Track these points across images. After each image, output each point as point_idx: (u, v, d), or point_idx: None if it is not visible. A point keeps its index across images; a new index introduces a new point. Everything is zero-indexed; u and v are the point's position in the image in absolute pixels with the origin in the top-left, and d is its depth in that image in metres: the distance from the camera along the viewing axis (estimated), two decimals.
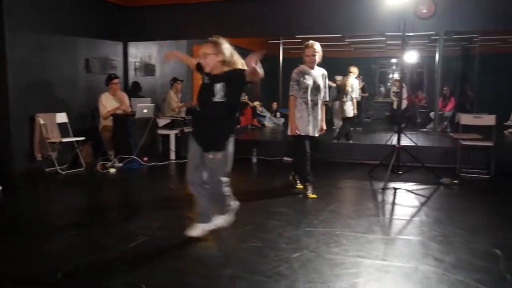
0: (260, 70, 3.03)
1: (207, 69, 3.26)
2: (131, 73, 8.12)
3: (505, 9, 6.09)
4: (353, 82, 8.08)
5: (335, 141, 7.96)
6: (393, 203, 4.59)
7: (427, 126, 10.94)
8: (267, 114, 12.56)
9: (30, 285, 2.63)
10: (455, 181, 5.41)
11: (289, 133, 4.81)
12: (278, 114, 12.65)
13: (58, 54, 6.48)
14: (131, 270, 2.82)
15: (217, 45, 3.22)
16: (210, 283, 2.65)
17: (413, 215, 4.12)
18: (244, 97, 11.94)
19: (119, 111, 6.60)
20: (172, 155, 6.94)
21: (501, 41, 11.28)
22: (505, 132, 9.89)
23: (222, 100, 3.20)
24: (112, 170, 6.08)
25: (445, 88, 10.78)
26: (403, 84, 10.02)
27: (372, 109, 15.41)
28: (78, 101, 6.90)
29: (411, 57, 12.91)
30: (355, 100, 8.09)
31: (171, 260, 3.06)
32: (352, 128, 8.63)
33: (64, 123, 6.28)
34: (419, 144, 6.96)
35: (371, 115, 15.05)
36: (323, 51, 4.72)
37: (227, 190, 3.39)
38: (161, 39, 8.42)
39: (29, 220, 4.01)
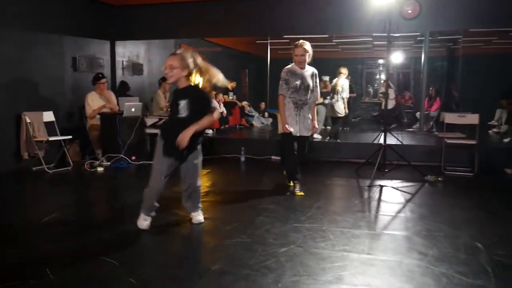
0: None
1: (171, 80, 3.40)
2: (119, 72, 8.10)
3: (488, 10, 6.23)
4: (344, 83, 8.31)
5: (328, 138, 8.30)
6: (379, 200, 4.66)
7: (413, 126, 11.09)
8: (256, 114, 12.60)
9: (19, 280, 2.63)
10: (440, 179, 5.51)
11: (279, 131, 4.83)
12: (266, 114, 12.70)
13: (45, 52, 6.44)
14: (119, 264, 2.84)
15: (183, 59, 3.32)
16: (199, 277, 2.68)
17: (399, 211, 4.19)
18: (233, 97, 11.98)
19: (105, 110, 6.59)
20: None
21: (485, 42, 11.48)
22: (490, 131, 10.09)
23: (187, 117, 3.35)
24: (100, 169, 6.07)
25: (431, 88, 10.95)
26: (391, 84, 10.18)
27: (359, 109, 15.55)
28: (65, 100, 6.87)
29: (398, 57, 13.06)
30: (345, 100, 8.30)
31: (159, 255, 3.10)
32: (340, 128, 8.78)
33: (51, 122, 6.24)
34: (405, 143, 7.06)
35: (358, 115, 15.19)
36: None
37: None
38: (149, 38, 8.41)
39: (15, 218, 4.00)
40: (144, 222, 3.57)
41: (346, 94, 8.28)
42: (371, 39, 10.75)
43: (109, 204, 4.80)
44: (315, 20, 6.85)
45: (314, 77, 4.76)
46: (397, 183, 5.38)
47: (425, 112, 10.51)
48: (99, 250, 3.11)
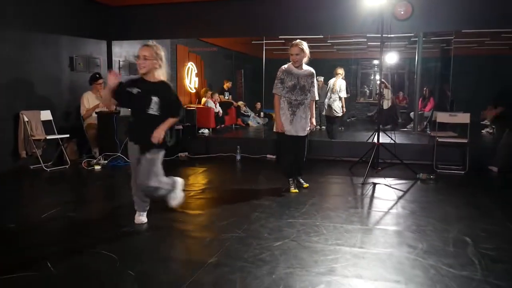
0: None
1: (143, 71, 3.40)
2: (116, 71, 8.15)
3: (481, 11, 6.31)
4: (341, 83, 8.47)
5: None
6: (372, 197, 4.77)
7: (408, 126, 11.22)
8: (251, 114, 12.70)
9: (20, 272, 2.70)
10: (431, 176, 5.61)
11: (274, 130, 4.87)
12: (262, 114, 12.80)
13: (42, 51, 6.50)
14: (119, 258, 2.92)
15: (157, 51, 3.38)
16: (196, 270, 2.76)
17: (390, 208, 4.30)
18: (229, 97, 12.07)
19: (99, 109, 6.66)
20: None
21: (478, 43, 11.63)
22: (482, 131, 10.22)
23: (156, 114, 3.40)
24: (97, 167, 6.14)
25: (425, 88, 11.08)
26: (387, 85, 10.32)
27: (353, 109, 15.67)
28: (62, 99, 6.93)
29: (392, 58, 13.18)
30: (343, 99, 8.48)
31: (156, 248, 3.18)
32: (338, 127, 8.96)
33: (49, 121, 6.31)
34: (398, 142, 7.16)
35: (353, 115, 15.31)
36: None
37: (162, 187, 3.59)
38: (146, 38, 8.46)
39: (14, 216, 4.07)
40: (140, 217, 3.65)
41: (344, 94, 8.45)
42: (365, 40, 10.87)
43: (106, 201, 4.87)
44: (310, 21, 6.94)
45: (311, 77, 4.75)
46: (389, 180, 5.49)
47: (419, 112, 10.64)
48: (98, 244, 3.19)
